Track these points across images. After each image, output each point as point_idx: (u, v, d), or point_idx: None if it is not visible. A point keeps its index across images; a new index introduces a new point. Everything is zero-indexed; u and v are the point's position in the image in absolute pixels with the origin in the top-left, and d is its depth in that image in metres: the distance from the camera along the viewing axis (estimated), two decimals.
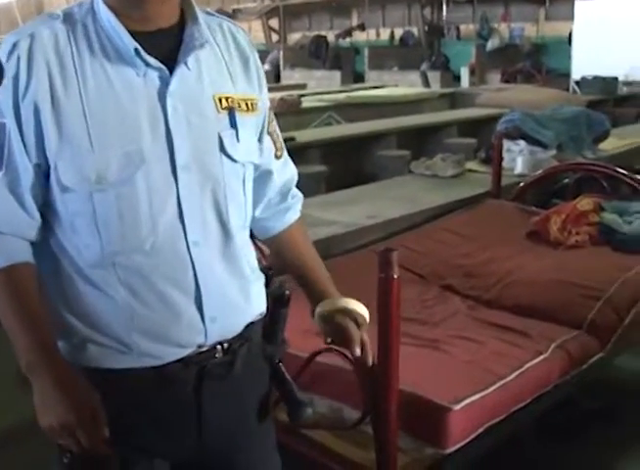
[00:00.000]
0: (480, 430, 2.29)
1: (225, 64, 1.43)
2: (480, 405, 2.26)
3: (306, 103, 9.18)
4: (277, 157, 1.58)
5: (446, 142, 7.66)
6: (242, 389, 1.48)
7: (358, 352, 1.59)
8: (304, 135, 6.71)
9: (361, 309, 1.60)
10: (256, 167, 1.51)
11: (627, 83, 11.90)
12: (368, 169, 6.63)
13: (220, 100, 1.39)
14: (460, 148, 7.01)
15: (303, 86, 13.42)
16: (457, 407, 2.16)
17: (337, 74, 16.25)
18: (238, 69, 1.46)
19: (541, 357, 2.59)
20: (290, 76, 16.25)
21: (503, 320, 2.93)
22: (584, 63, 11.83)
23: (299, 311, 2.15)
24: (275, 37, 22.52)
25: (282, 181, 1.61)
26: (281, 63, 16.97)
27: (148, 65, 1.32)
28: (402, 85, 13.31)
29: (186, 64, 1.36)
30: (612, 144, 6.34)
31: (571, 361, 2.73)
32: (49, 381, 1.29)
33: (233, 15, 22.22)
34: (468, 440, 2.25)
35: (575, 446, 3.24)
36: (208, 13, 1.47)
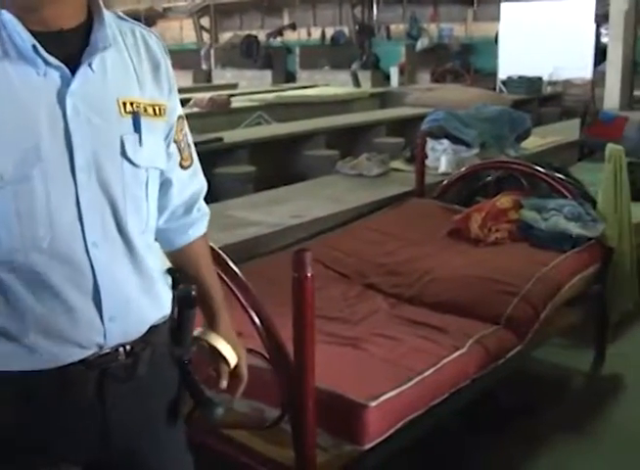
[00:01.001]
0: (398, 425, 2.33)
1: (133, 68, 1.43)
2: (396, 402, 2.30)
3: (236, 103, 9.19)
4: (183, 167, 1.57)
5: (375, 141, 7.75)
6: (148, 391, 1.48)
7: (224, 385, 1.66)
8: (233, 135, 6.72)
9: (229, 355, 1.66)
10: (162, 174, 1.51)
11: (551, 83, 12.15)
12: (297, 169, 6.66)
13: (125, 104, 1.39)
14: (388, 147, 7.11)
15: (234, 86, 13.39)
16: (373, 404, 2.20)
17: (268, 74, 16.23)
18: (147, 73, 1.45)
19: (458, 353, 2.66)
20: (221, 76, 16.16)
21: (423, 317, 2.99)
22: (510, 63, 12.06)
23: None
24: (206, 36, 22.40)
25: (189, 193, 1.61)
26: (212, 62, 16.86)
27: (48, 63, 1.30)
28: (334, 85, 13.37)
29: (90, 65, 1.35)
30: (534, 142, 6.49)
31: (489, 356, 2.80)
32: None
33: (163, 13, 22.05)
34: (386, 435, 2.29)
35: (496, 440, 3.32)
36: (120, 17, 1.46)
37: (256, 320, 2.09)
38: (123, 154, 1.39)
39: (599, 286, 3.88)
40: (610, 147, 4.04)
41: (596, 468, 3.15)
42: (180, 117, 1.56)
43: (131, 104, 1.40)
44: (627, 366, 4.04)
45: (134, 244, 1.42)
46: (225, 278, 2.11)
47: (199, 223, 1.66)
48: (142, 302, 1.45)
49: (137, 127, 1.40)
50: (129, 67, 1.43)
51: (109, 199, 1.37)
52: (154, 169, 1.47)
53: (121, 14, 1.51)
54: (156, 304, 1.49)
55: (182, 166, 1.57)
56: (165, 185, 1.55)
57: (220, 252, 2.17)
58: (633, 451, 3.25)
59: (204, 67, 16.11)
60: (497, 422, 3.42)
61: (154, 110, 1.44)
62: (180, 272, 1.60)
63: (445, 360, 2.57)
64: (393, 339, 2.71)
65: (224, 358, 1.65)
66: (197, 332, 1.64)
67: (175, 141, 1.54)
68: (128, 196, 1.40)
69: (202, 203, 1.67)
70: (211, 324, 1.67)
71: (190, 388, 1.59)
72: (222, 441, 2.35)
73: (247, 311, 2.09)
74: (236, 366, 1.67)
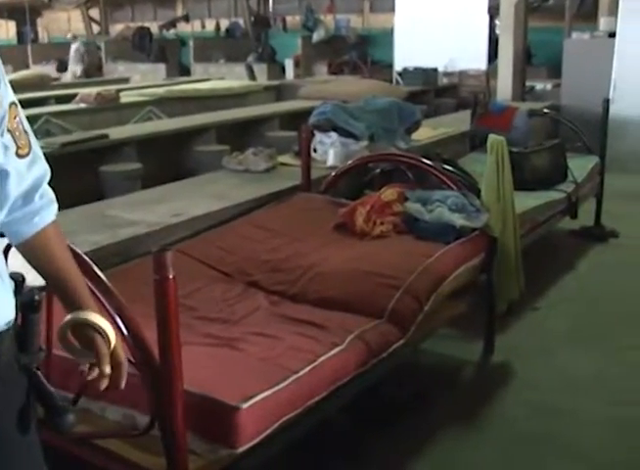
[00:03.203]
0: (275, 426, 2.29)
1: None
2: (271, 402, 2.26)
3: (126, 98, 8.98)
4: (20, 156, 1.48)
5: (268, 135, 7.69)
6: None
7: (108, 369, 1.55)
8: (119, 132, 6.56)
9: (109, 330, 1.57)
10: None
11: (447, 74, 12.30)
12: (187, 166, 6.55)
13: None
14: (281, 141, 7.06)
15: (126, 80, 13.11)
16: (245, 405, 2.15)
17: (162, 67, 15.94)
18: None
19: (337, 349, 2.63)
20: (113, 70, 15.80)
21: (304, 314, 2.95)
22: (406, 54, 12.13)
23: None
24: (96, 29, 21.88)
25: (29, 182, 1.52)
26: (103, 55, 16.46)
27: None
28: (229, 78, 13.23)
29: None
30: (426, 134, 6.54)
31: (370, 351, 2.78)
32: None
33: (49, 4, 21.40)
34: (262, 437, 2.24)
35: (386, 433, 3.32)
36: None
37: (120, 324, 2.01)
38: None
39: (485, 276, 3.92)
40: (491, 137, 4.08)
41: (485, 457, 3.19)
42: (13, 104, 1.47)
43: None
44: (516, 355, 4.11)
45: None
46: (89, 283, 2.02)
47: (44, 211, 1.57)
48: None
49: None
50: None
51: None
52: None
53: None
54: None
55: (19, 156, 1.48)
56: (2, 177, 1.46)
57: (84, 256, 2.09)
58: (522, 440, 3.30)
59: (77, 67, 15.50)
60: (387, 416, 3.42)
61: None
62: (23, 277, 1.52)
63: (323, 358, 2.54)
64: (272, 338, 2.66)
65: (103, 336, 1.55)
66: (68, 317, 1.55)
67: (9, 130, 1.45)
68: None
69: (46, 189, 1.58)
70: (78, 307, 1.57)
71: (40, 396, 1.51)
72: (90, 449, 2.26)
73: (110, 315, 2.01)
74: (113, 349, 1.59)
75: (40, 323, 1.53)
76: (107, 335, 1.56)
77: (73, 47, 15.37)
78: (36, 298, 1.49)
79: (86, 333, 1.55)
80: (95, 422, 2.35)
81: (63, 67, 15.83)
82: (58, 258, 1.59)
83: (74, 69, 15.00)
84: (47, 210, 1.58)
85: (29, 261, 1.58)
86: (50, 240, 1.58)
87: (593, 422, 3.43)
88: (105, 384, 1.56)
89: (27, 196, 1.53)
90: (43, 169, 1.56)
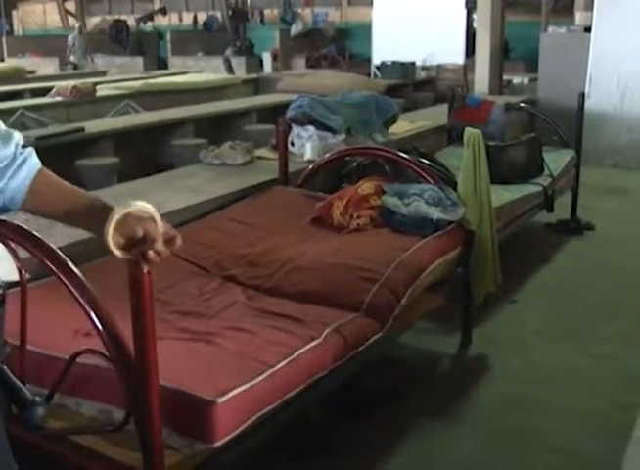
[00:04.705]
0: (251, 420, 2.29)
1: None
2: (247, 396, 2.25)
3: (103, 91, 8.93)
4: None
5: (246, 129, 7.68)
6: None
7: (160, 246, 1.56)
8: (96, 125, 6.52)
9: (151, 209, 1.55)
10: None
11: (425, 68, 12.33)
12: (164, 160, 6.53)
13: None
14: (259, 135, 7.06)
15: (103, 73, 13.03)
16: (221, 400, 2.14)
17: (140, 61, 15.87)
18: None
19: (314, 343, 2.62)
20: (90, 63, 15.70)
21: (281, 308, 2.94)
22: (384, 48, 12.14)
23: (69, 310, 2.08)
24: (72, 21, 21.72)
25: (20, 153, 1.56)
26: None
27: None
28: (207, 71, 13.20)
29: None
30: (403, 127, 6.56)
31: (347, 344, 2.78)
32: None
33: None
34: (238, 431, 2.24)
35: (363, 426, 3.33)
36: None
37: (95, 319, 1.99)
38: None
39: (462, 269, 3.93)
40: (467, 131, 4.09)
41: (463, 449, 3.20)
42: None
43: None
44: (492, 347, 4.13)
45: None
46: (62, 278, 2.01)
47: (30, 159, 1.59)
48: None
49: None
50: None
51: None
52: None
53: None
54: None
55: None
56: None
57: (57, 251, 2.07)
58: (498, 431, 3.32)
59: (71, 58, 15.47)
60: (364, 408, 3.43)
61: None
62: None
63: (300, 351, 2.53)
64: (248, 332, 2.65)
65: (150, 218, 1.53)
66: (114, 217, 1.49)
67: None
68: None
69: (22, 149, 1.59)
70: (106, 212, 1.52)
71: (6, 390, 1.50)
72: (65, 445, 2.24)
73: (85, 310, 1.99)
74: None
75: (5, 318, 1.53)
76: (153, 217, 1.54)
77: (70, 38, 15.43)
78: (1, 292, 1.49)
79: (130, 225, 1.52)
80: (70, 418, 2.33)
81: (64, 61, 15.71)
82: (64, 185, 1.61)
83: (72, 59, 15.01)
84: (30, 158, 1.59)
85: (39, 207, 1.59)
86: (48, 176, 1.61)
87: (567, 413, 3.46)
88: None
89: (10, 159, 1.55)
90: (15, 137, 1.58)
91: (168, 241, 1.57)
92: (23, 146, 1.59)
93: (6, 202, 1.51)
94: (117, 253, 1.51)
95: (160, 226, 1.54)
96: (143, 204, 1.54)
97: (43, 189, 1.58)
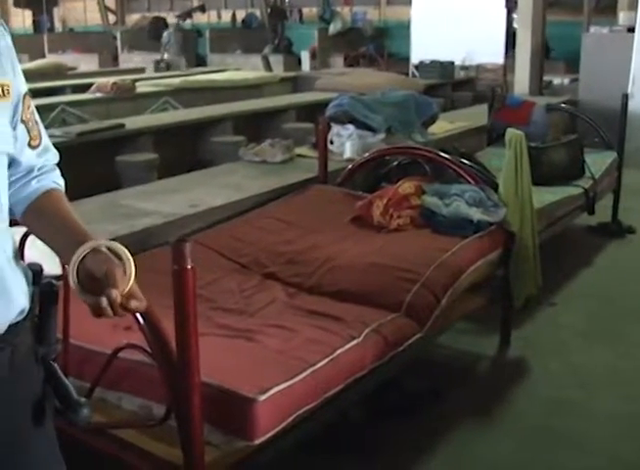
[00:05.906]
0: (291, 419, 2.28)
1: None
2: (288, 394, 2.25)
3: (142, 88, 8.97)
4: (32, 146, 1.49)
5: (284, 127, 7.66)
6: (10, 392, 1.40)
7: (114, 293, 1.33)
8: (136, 122, 6.55)
9: (126, 254, 1.39)
10: (10, 156, 1.43)
11: (464, 68, 12.24)
12: (203, 156, 6.55)
13: None
14: (298, 133, 7.04)
15: (141, 70, 13.10)
16: (262, 398, 2.14)
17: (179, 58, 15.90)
18: None
19: (354, 342, 2.61)
20: (129, 60, 15.79)
21: (321, 307, 2.93)
22: (423, 47, 12.06)
23: None
24: (113, 18, 21.88)
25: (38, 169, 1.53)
26: (119, 45, 16.48)
27: None
28: (245, 69, 13.20)
29: None
30: (443, 127, 6.52)
31: (387, 344, 2.77)
32: None
33: None
34: (278, 429, 2.24)
35: (402, 426, 3.31)
36: None
37: (137, 314, 1.99)
38: None
39: (502, 271, 3.90)
40: (510, 132, 4.05)
41: (500, 451, 3.17)
42: (26, 94, 1.47)
43: None
44: (531, 350, 4.09)
45: None
46: None
47: (47, 177, 1.54)
48: None
49: None
50: None
51: None
52: (2, 154, 1.39)
53: None
54: (9, 298, 1.38)
55: (31, 146, 1.49)
56: (15, 166, 1.47)
57: None
58: (536, 434, 3.29)
59: (165, 56, 15.39)
60: (404, 409, 3.41)
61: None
62: (42, 267, 1.50)
63: (340, 350, 2.53)
64: (289, 330, 2.65)
65: (121, 259, 1.36)
66: (84, 247, 1.36)
67: (23, 121, 1.45)
68: None
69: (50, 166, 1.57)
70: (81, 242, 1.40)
71: (56, 388, 1.50)
72: (106, 439, 2.25)
73: None
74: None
75: (57, 315, 1.52)
76: (128, 260, 1.37)
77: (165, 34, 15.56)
78: (55, 289, 1.48)
79: (100, 260, 1.37)
80: (111, 412, 2.35)
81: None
82: (65, 207, 1.52)
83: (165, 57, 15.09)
84: (49, 175, 1.55)
85: (36, 222, 1.53)
86: (55, 197, 1.54)
87: (607, 417, 3.42)
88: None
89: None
90: (52, 156, 1.56)
91: (128, 297, 1.36)
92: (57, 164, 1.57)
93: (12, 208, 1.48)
94: (73, 286, 1.36)
95: (129, 278, 1.35)
96: (123, 249, 1.40)
97: (44, 202, 1.52)
